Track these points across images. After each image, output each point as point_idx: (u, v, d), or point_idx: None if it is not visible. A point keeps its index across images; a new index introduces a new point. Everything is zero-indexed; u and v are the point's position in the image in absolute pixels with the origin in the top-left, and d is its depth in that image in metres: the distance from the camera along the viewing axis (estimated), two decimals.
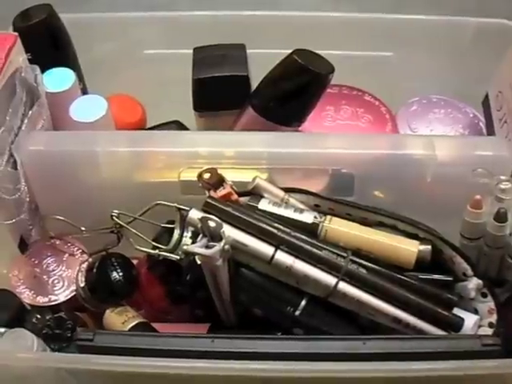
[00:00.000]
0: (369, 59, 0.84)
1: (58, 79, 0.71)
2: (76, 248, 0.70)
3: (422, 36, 0.82)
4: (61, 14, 0.76)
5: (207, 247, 0.55)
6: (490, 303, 0.60)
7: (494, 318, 0.59)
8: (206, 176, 0.60)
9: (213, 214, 0.57)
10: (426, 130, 0.80)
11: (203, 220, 0.55)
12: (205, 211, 0.58)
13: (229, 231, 0.57)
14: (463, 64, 0.82)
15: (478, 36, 0.82)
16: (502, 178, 0.60)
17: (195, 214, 0.57)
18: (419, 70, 0.83)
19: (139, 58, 0.85)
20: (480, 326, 0.59)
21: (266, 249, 0.57)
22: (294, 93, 0.68)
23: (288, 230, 0.58)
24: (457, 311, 0.59)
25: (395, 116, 0.81)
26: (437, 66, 0.83)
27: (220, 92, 0.73)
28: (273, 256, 0.57)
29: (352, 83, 0.83)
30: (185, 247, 0.57)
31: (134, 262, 0.68)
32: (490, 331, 0.59)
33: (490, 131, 0.76)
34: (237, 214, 0.58)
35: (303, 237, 0.58)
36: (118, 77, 0.84)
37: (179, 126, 0.82)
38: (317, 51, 0.69)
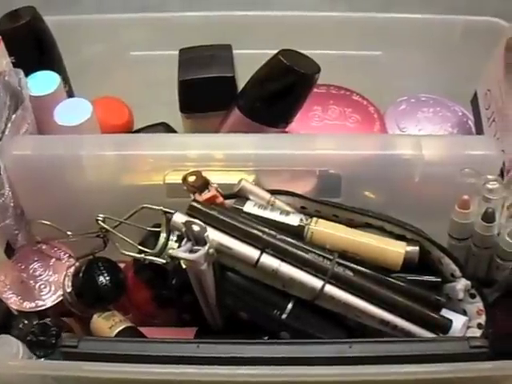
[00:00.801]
0: (358, 58, 0.84)
1: (43, 82, 0.71)
2: (63, 252, 0.69)
3: (410, 35, 0.82)
4: (48, 16, 0.76)
5: (192, 251, 0.54)
6: (478, 304, 0.60)
7: (482, 319, 0.59)
8: (191, 179, 0.60)
9: (197, 218, 0.57)
10: (415, 129, 0.79)
11: (187, 224, 0.54)
12: (189, 215, 0.58)
13: (214, 235, 0.56)
14: (452, 62, 0.81)
15: (467, 34, 0.81)
16: (490, 177, 0.59)
17: (179, 218, 0.57)
18: (408, 69, 0.82)
19: (126, 59, 0.85)
20: (469, 327, 0.59)
21: (252, 252, 0.57)
22: (279, 93, 0.68)
23: (273, 233, 0.57)
24: (445, 312, 0.59)
25: (384, 115, 0.80)
26: (426, 64, 0.82)
27: (206, 93, 0.73)
28: (258, 259, 0.56)
29: (341, 83, 0.82)
30: (170, 251, 0.57)
31: (122, 265, 0.68)
32: (478, 332, 0.58)
33: (479, 130, 0.75)
34: (221, 217, 0.58)
35: (289, 239, 0.57)
36: (105, 79, 0.83)
37: (166, 127, 0.81)
38: (305, 51, 0.69)
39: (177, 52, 0.76)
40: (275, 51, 0.69)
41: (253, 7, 0.86)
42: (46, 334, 0.59)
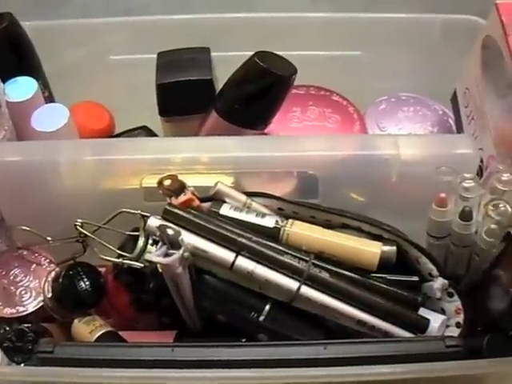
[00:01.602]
0: (337, 59, 0.84)
1: (20, 88, 0.71)
2: (43, 258, 0.69)
3: (390, 34, 0.82)
4: (29, 21, 0.76)
5: (167, 255, 0.54)
6: (456, 303, 0.60)
7: (461, 318, 0.59)
8: (167, 183, 0.60)
9: (172, 221, 0.57)
10: (395, 128, 0.79)
11: (161, 228, 0.54)
12: (164, 218, 0.58)
13: (189, 238, 0.56)
14: (432, 61, 0.81)
15: (447, 33, 0.81)
16: (466, 175, 0.59)
17: (154, 222, 0.57)
18: (388, 69, 0.82)
19: (106, 64, 0.85)
20: (448, 326, 0.59)
21: (227, 255, 0.57)
22: (256, 95, 0.67)
23: (249, 235, 0.57)
24: (423, 312, 0.59)
25: (364, 115, 0.80)
26: (406, 63, 0.82)
27: (184, 96, 0.73)
28: (234, 262, 0.56)
29: (321, 83, 0.82)
30: (145, 256, 0.57)
31: (102, 270, 0.68)
32: (457, 331, 0.59)
33: (459, 128, 0.76)
34: (197, 220, 0.58)
35: (264, 241, 0.58)
36: (85, 84, 0.83)
37: (147, 131, 0.81)
38: (285, 52, 0.69)
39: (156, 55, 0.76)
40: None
41: (235, 9, 0.86)
42: (22, 340, 0.59)
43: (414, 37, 0.81)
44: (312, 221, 0.61)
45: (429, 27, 0.81)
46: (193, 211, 0.59)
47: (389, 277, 0.60)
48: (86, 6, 1.07)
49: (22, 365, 0.60)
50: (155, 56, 0.76)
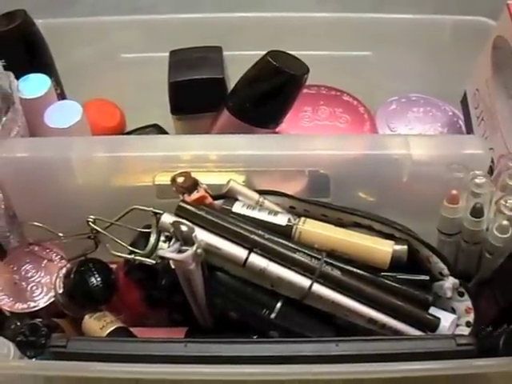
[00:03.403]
0: (348, 59, 0.84)
1: (34, 85, 0.71)
2: (54, 254, 0.70)
3: (400, 35, 0.82)
4: (40, 19, 0.76)
5: (180, 251, 0.55)
6: (467, 302, 0.60)
7: (471, 317, 0.59)
8: (180, 180, 0.60)
9: (185, 218, 0.57)
10: (405, 128, 0.80)
11: (175, 224, 0.55)
12: (178, 215, 0.58)
13: (202, 235, 0.57)
14: (442, 62, 0.82)
15: (456, 34, 0.82)
16: (478, 172, 0.60)
17: (168, 219, 0.57)
18: (398, 69, 0.83)
19: (118, 61, 0.85)
20: (457, 326, 0.59)
21: (240, 252, 0.57)
22: (269, 94, 0.68)
23: (261, 233, 0.58)
24: (434, 311, 0.59)
25: (374, 115, 0.81)
26: (416, 64, 0.82)
27: (196, 95, 0.73)
28: (246, 259, 0.57)
29: (331, 83, 0.82)
30: (158, 252, 0.57)
31: (113, 266, 0.68)
32: (467, 330, 0.59)
33: (469, 129, 0.76)
34: (209, 217, 0.58)
35: (277, 239, 0.58)
36: (96, 81, 0.84)
37: (158, 129, 0.82)
38: (296, 52, 0.69)
39: (168, 54, 0.77)
40: (266, 52, 0.69)
41: (244, 9, 0.86)
42: (35, 335, 0.59)
43: (424, 38, 0.82)
44: (323, 219, 0.62)
45: (439, 28, 0.82)
46: (206, 208, 0.59)
47: (400, 275, 0.60)
48: (96, 4, 1.07)
49: (34, 359, 0.60)
50: (166, 54, 0.77)
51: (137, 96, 0.85)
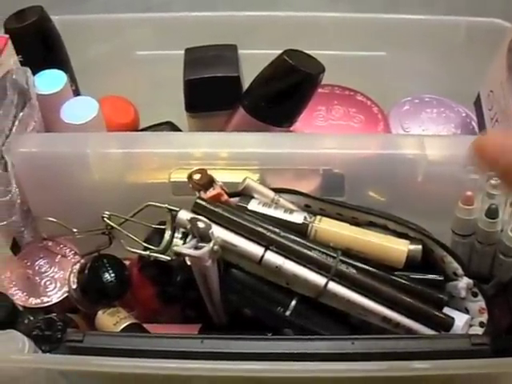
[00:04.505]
0: (362, 59, 0.84)
1: (50, 81, 0.71)
2: (68, 249, 0.70)
3: (414, 36, 0.82)
4: (54, 15, 0.77)
5: (196, 248, 0.55)
6: (480, 303, 0.60)
7: (484, 318, 0.60)
8: (196, 177, 0.60)
9: (202, 215, 0.57)
10: (419, 129, 0.80)
11: (192, 221, 0.55)
12: (194, 212, 0.58)
13: (218, 232, 0.57)
14: (456, 63, 0.82)
15: (471, 35, 0.82)
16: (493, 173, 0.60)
17: (184, 215, 0.57)
18: (412, 70, 0.83)
19: (132, 59, 0.85)
20: (471, 326, 0.59)
21: (256, 249, 0.57)
22: (284, 93, 0.68)
23: (277, 231, 0.58)
24: (447, 311, 0.59)
25: (387, 116, 0.81)
26: (429, 65, 0.83)
27: (211, 93, 0.73)
28: (262, 256, 0.57)
29: (345, 83, 0.83)
30: (175, 248, 0.57)
31: (126, 262, 0.69)
32: (480, 330, 0.59)
33: (482, 131, 0.76)
34: (226, 214, 0.58)
35: (293, 237, 0.58)
36: (110, 78, 0.84)
37: (172, 126, 0.82)
38: (310, 51, 0.69)
39: (182, 52, 0.77)
40: (280, 51, 0.69)
41: (257, 8, 0.86)
42: (51, 329, 0.59)
43: (439, 39, 0.82)
44: (338, 218, 0.62)
45: (453, 29, 0.82)
46: (222, 205, 0.59)
47: (414, 275, 0.60)
48: (108, 2, 1.07)
49: (48, 353, 0.61)
50: (180, 52, 0.77)
51: (150, 93, 0.85)
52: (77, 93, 0.78)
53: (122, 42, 0.84)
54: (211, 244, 0.54)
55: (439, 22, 0.82)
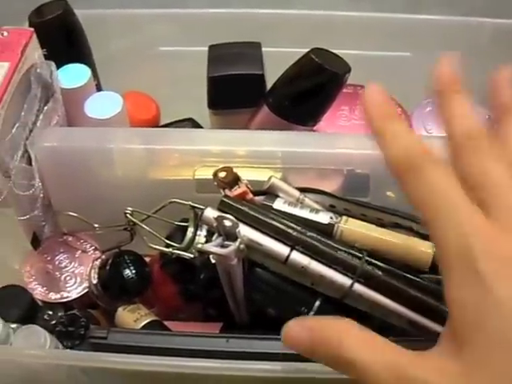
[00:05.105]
0: (385, 59, 0.84)
1: (73, 75, 0.71)
2: (89, 245, 0.70)
3: (439, 36, 0.81)
4: (76, 9, 0.76)
5: (222, 246, 0.54)
6: None
7: None
8: (222, 175, 0.60)
9: (228, 213, 0.57)
10: (441, 131, 0.79)
11: (219, 219, 0.54)
12: (220, 210, 0.58)
13: (244, 230, 0.57)
14: (480, 65, 0.80)
15: (496, 37, 0.81)
16: None
17: (211, 213, 0.57)
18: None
19: (154, 54, 0.85)
20: None
21: (282, 249, 0.57)
22: (309, 92, 0.68)
23: (303, 230, 0.57)
24: None
25: (410, 117, 0.80)
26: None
27: (235, 90, 0.73)
28: (288, 256, 0.56)
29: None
30: (199, 246, 0.57)
31: (147, 259, 0.68)
32: None
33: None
34: (252, 213, 0.58)
35: (319, 237, 0.57)
36: (132, 74, 0.84)
37: (193, 123, 0.81)
38: (333, 51, 0.69)
39: (204, 48, 0.76)
40: (302, 50, 0.68)
41: (275, 5, 0.86)
42: (74, 325, 0.59)
43: (464, 40, 0.81)
44: (363, 219, 0.61)
45: (478, 31, 0.81)
46: (248, 204, 0.59)
47: (438, 277, 0.60)
48: None
49: (69, 350, 0.60)
50: (202, 49, 0.76)
51: (171, 89, 0.85)
52: (98, 88, 0.78)
53: (145, 38, 0.84)
54: (237, 243, 0.54)
55: (464, 23, 0.82)
